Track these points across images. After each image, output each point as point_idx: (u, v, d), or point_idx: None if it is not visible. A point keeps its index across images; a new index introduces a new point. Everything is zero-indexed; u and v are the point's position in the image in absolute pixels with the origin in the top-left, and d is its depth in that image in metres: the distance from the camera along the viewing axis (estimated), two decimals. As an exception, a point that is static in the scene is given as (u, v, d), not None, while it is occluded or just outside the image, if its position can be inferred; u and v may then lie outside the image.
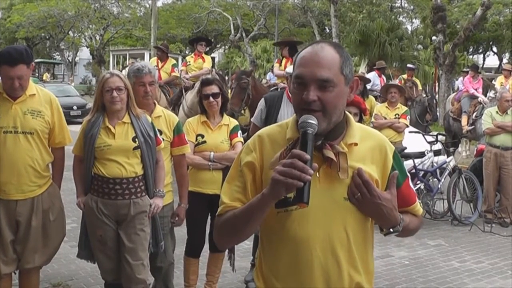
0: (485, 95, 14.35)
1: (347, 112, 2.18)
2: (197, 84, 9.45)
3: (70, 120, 18.54)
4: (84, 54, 51.06)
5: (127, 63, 27.35)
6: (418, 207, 2.30)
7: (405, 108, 9.18)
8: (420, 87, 14.55)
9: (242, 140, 5.07)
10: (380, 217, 2.10)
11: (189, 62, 12.18)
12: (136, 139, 4.22)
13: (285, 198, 1.93)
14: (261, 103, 5.04)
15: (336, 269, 2.06)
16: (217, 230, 2.20)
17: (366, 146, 2.14)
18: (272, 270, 2.15)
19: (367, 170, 2.08)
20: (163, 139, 4.53)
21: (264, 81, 15.81)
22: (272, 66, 23.34)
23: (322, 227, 2.05)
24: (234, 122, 5.21)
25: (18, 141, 4.22)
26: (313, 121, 1.96)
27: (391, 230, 2.14)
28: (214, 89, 5.07)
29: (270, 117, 4.93)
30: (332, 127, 2.06)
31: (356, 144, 2.10)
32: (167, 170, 4.65)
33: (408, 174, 2.28)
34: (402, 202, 2.19)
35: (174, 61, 12.16)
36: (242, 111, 9.55)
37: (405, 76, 14.65)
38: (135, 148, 4.22)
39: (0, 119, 4.19)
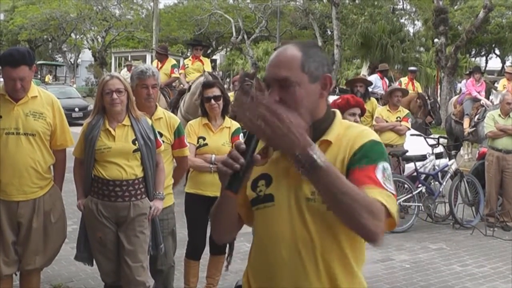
0: (488, 98, 14.33)
1: (336, 111, 2.15)
2: (193, 87, 9.48)
3: (72, 122, 18.51)
4: (86, 56, 51.12)
5: (129, 61, 27.38)
6: (375, 191, 1.91)
7: (406, 111, 9.16)
8: (420, 90, 14.54)
9: None
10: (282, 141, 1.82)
11: (187, 65, 12.19)
12: (136, 142, 4.22)
13: (257, 196, 2.00)
14: None
15: (301, 269, 2.02)
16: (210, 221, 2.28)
17: (342, 145, 2.04)
18: (250, 268, 2.19)
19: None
20: (163, 141, 4.53)
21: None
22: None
23: (287, 226, 2.02)
24: (235, 125, 5.20)
25: (20, 143, 4.22)
26: None
27: (304, 163, 1.82)
28: (216, 91, 5.06)
29: None
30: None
31: (329, 142, 2.04)
32: (168, 172, 4.64)
33: (380, 165, 1.98)
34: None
35: (174, 62, 12.09)
36: None
37: (405, 79, 14.63)
38: (135, 151, 4.22)
39: (2, 121, 4.19)
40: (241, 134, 5.17)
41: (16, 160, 4.21)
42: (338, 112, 2.16)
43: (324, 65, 2.09)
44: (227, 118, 5.20)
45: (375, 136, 2.07)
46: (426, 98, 12.41)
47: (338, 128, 2.09)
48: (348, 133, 2.07)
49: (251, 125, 1.82)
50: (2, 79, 4.27)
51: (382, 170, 1.97)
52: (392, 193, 1.95)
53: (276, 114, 1.79)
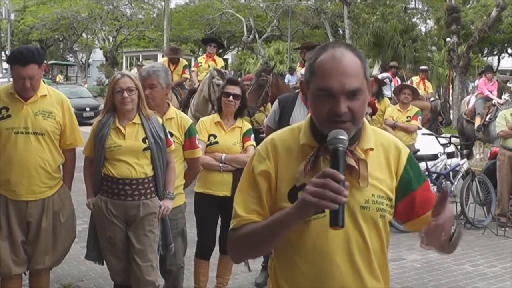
0: (500, 97, 14.23)
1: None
2: (202, 86, 9.52)
3: (83, 122, 18.68)
4: (98, 55, 51.33)
5: (140, 62, 27.48)
6: None
7: (416, 109, 9.11)
8: (431, 90, 14.48)
9: (255, 144, 5.04)
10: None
11: (201, 63, 12.23)
12: (146, 140, 4.21)
13: None
14: (275, 104, 5.01)
15: (357, 278, 2.01)
16: (234, 244, 2.10)
17: (380, 151, 2.07)
18: (289, 282, 2.06)
19: (382, 177, 2.03)
20: (174, 142, 4.51)
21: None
22: (289, 68, 23.42)
23: (341, 237, 1.98)
24: (247, 126, 5.19)
25: (29, 142, 4.21)
26: (343, 136, 1.86)
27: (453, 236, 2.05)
28: (237, 90, 5.06)
29: (283, 119, 4.89)
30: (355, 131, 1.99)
31: (372, 149, 2.04)
32: (179, 172, 4.62)
33: (427, 178, 2.22)
34: (421, 208, 2.12)
35: (185, 63, 12.20)
36: (262, 108, 9.53)
37: (416, 78, 14.56)
38: (145, 149, 4.21)
39: (11, 120, 4.19)
40: (252, 135, 5.16)
41: (25, 160, 4.20)
42: None
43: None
44: (239, 118, 5.18)
45: (402, 144, 2.16)
46: (438, 108, 12.40)
47: (370, 133, 2.08)
48: (379, 139, 2.10)
49: None
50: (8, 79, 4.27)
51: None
52: None
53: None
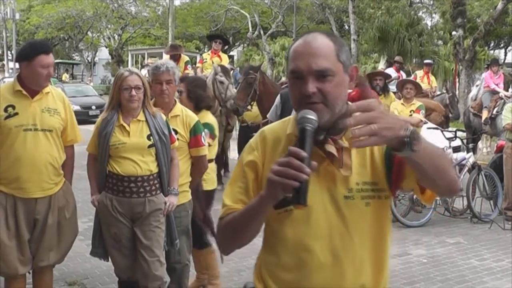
0: (507, 90, 14.16)
1: (349, 103, 2.05)
2: (207, 82, 9.52)
3: (89, 120, 18.72)
4: (103, 54, 51.41)
5: (146, 62, 27.46)
6: None
7: (419, 103, 9.07)
8: (435, 84, 14.42)
9: None
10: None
11: (206, 59, 12.25)
12: (151, 137, 4.21)
13: (284, 197, 1.83)
14: (277, 99, 5.00)
15: (338, 270, 1.97)
16: (219, 234, 2.12)
17: None
18: (272, 272, 2.07)
19: (367, 163, 1.98)
20: (178, 139, 4.50)
21: (284, 78, 15.72)
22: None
23: (323, 228, 1.96)
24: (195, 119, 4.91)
25: (38, 139, 4.23)
26: (312, 116, 1.82)
27: (406, 143, 1.71)
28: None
29: (285, 113, 4.88)
30: (334, 120, 1.93)
31: None
32: (184, 170, 4.61)
33: None
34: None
35: (187, 59, 12.23)
36: (249, 107, 9.53)
37: (420, 72, 14.50)
38: (149, 146, 4.22)
39: (19, 117, 4.20)
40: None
41: (35, 157, 4.22)
42: (350, 103, 2.08)
43: (350, 55, 2.03)
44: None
45: None
46: (447, 102, 12.35)
47: None
48: None
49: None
50: (4, 80, 4.28)
51: None
52: None
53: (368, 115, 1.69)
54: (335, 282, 1.97)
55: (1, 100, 4.19)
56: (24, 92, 4.23)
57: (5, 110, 4.17)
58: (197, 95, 5.14)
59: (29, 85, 4.24)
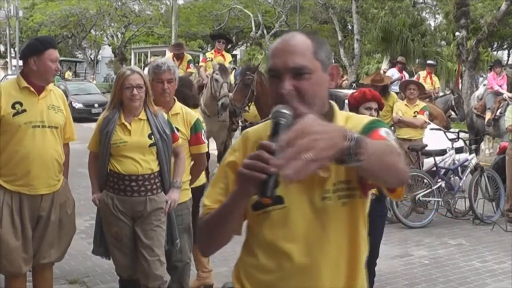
0: (510, 92, 14.11)
1: (332, 102, 2.04)
2: (208, 82, 9.54)
3: (91, 118, 18.70)
4: (106, 52, 51.47)
5: (149, 61, 27.45)
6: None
7: (423, 104, 9.05)
8: (438, 85, 14.39)
9: None
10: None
11: (209, 58, 12.22)
12: (152, 136, 4.21)
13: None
14: None
15: (314, 274, 1.93)
16: (198, 233, 2.12)
17: None
18: (250, 273, 2.03)
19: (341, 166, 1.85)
20: (180, 137, 4.49)
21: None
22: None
23: (300, 230, 1.92)
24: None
25: (46, 135, 4.27)
26: (286, 110, 1.77)
27: (351, 154, 1.60)
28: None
29: None
30: None
31: None
32: (185, 168, 4.60)
33: (382, 129, 1.91)
34: None
35: (189, 57, 12.33)
36: (247, 108, 9.54)
37: (423, 72, 14.47)
38: (151, 145, 4.21)
39: (27, 114, 4.21)
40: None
41: (43, 153, 4.25)
42: (333, 103, 2.06)
43: (331, 54, 2.00)
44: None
45: (369, 119, 2.02)
46: (452, 104, 12.36)
47: (341, 121, 2.01)
48: (350, 125, 1.96)
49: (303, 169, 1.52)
50: (7, 77, 4.30)
51: (386, 132, 1.90)
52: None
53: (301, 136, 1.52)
54: (312, 284, 1.94)
55: (7, 97, 4.20)
56: (31, 89, 4.25)
57: (13, 107, 4.19)
58: (184, 94, 5.14)
59: (36, 81, 4.27)
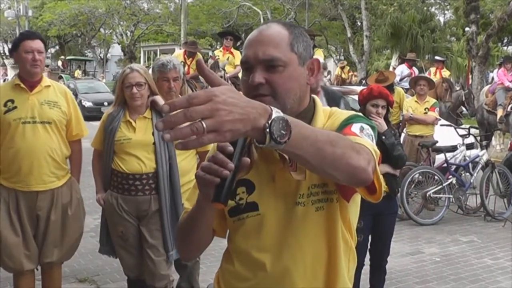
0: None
1: (315, 97, 1.91)
2: None
3: (101, 116, 18.61)
4: (116, 50, 51.62)
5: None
6: (351, 138, 1.66)
7: (434, 101, 8.96)
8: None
9: None
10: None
11: (218, 56, 12.19)
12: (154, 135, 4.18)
13: (237, 205, 1.74)
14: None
15: (288, 282, 1.83)
16: (175, 238, 2.01)
17: None
18: (227, 280, 1.96)
19: None
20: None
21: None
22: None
23: (273, 239, 1.81)
24: None
25: (37, 131, 4.23)
26: None
27: (268, 134, 1.40)
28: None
29: None
30: (289, 115, 1.50)
31: None
32: (189, 168, 4.53)
33: (356, 124, 1.77)
34: None
35: (200, 56, 12.18)
36: None
37: (433, 69, 14.39)
38: (155, 143, 4.17)
39: (18, 111, 4.21)
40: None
41: (34, 149, 4.22)
42: (317, 99, 1.93)
43: (310, 48, 1.86)
44: None
45: (352, 113, 1.86)
46: (452, 82, 12.24)
47: (321, 118, 1.87)
48: (330, 122, 1.85)
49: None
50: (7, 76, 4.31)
51: (360, 128, 1.74)
52: (372, 145, 1.69)
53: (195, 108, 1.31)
54: None
55: (1, 97, 4.23)
56: (22, 85, 4.26)
57: (5, 105, 4.21)
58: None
59: (24, 76, 4.29)
